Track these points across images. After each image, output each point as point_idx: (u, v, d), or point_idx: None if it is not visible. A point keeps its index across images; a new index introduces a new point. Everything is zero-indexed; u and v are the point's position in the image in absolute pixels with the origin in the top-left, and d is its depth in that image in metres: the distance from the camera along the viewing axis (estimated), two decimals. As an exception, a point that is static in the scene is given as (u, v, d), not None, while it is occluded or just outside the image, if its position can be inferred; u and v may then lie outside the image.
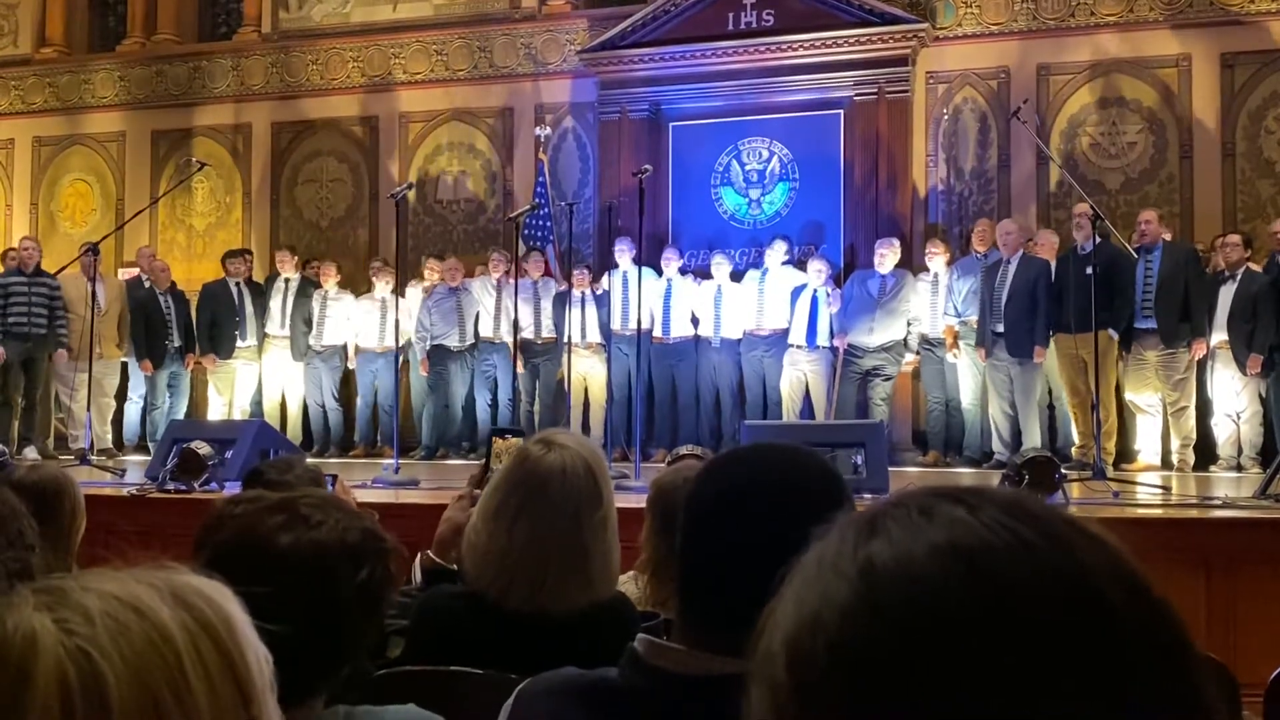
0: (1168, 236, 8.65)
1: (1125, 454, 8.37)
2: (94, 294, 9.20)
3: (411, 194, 10.92)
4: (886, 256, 9.01)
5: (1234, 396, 8.15)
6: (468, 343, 9.95)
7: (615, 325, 9.34)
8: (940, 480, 7.26)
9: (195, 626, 0.81)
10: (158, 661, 0.78)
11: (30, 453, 9.01)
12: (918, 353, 9.17)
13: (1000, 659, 0.57)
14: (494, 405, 9.91)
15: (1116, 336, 8.11)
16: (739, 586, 1.37)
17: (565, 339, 9.13)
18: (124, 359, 10.19)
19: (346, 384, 10.50)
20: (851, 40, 10.00)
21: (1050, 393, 8.81)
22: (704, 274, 9.72)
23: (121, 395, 10.43)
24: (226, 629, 0.83)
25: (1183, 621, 0.62)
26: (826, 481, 1.46)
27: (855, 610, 0.61)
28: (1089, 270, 7.33)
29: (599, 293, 9.60)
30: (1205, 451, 8.26)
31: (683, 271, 9.73)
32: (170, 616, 0.80)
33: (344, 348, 10.32)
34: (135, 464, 8.50)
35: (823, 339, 9.03)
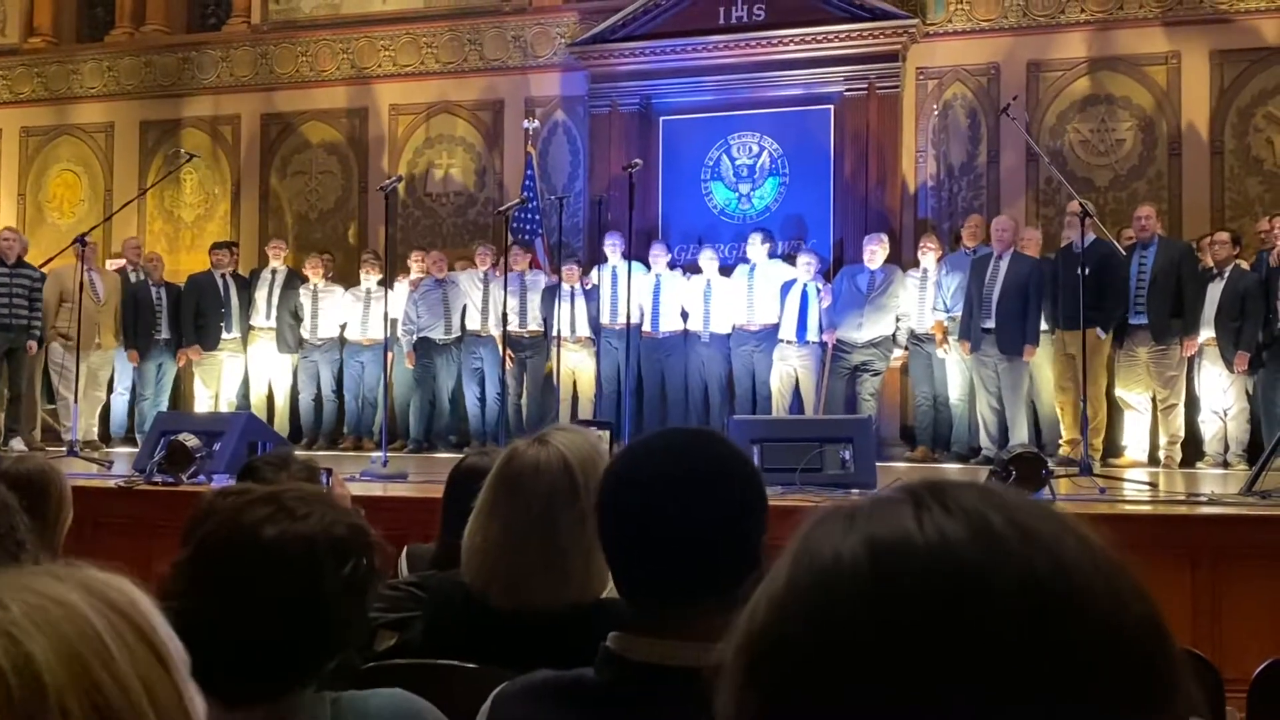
0: (1161, 232, 8.67)
1: (1112, 450, 8.39)
2: (92, 284, 9.15)
3: (401, 187, 10.91)
4: (876, 252, 9.02)
5: (1221, 393, 8.18)
6: (454, 335, 9.94)
7: (605, 319, 9.36)
8: (927, 476, 7.28)
9: (104, 606, 0.83)
10: (79, 636, 0.80)
11: (17, 444, 8.98)
12: (906, 348, 9.18)
13: (902, 653, 0.59)
14: (482, 399, 9.90)
15: (1105, 336, 8.10)
16: (658, 570, 1.45)
17: (555, 333, 9.12)
18: (119, 350, 10.19)
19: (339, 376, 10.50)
20: (842, 35, 10.00)
21: (1035, 388, 8.82)
22: (693, 268, 9.73)
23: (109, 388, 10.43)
24: (134, 608, 0.85)
25: (1137, 629, 0.62)
26: (733, 465, 1.51)
27: (780, 600, 0.64)
28: (1080, 269, 7.33)
29: (588, 287, 9.60)
30: (1192, 448, 8.29)
31: (672, 266, 9.73)
32: (80, 598, 0.82)
33: (340, 340, 10.33)
34: (122, 456, 8.48)
35: (812, 334, 9.04)
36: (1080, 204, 7.52)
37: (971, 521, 0.63)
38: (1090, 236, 7.75)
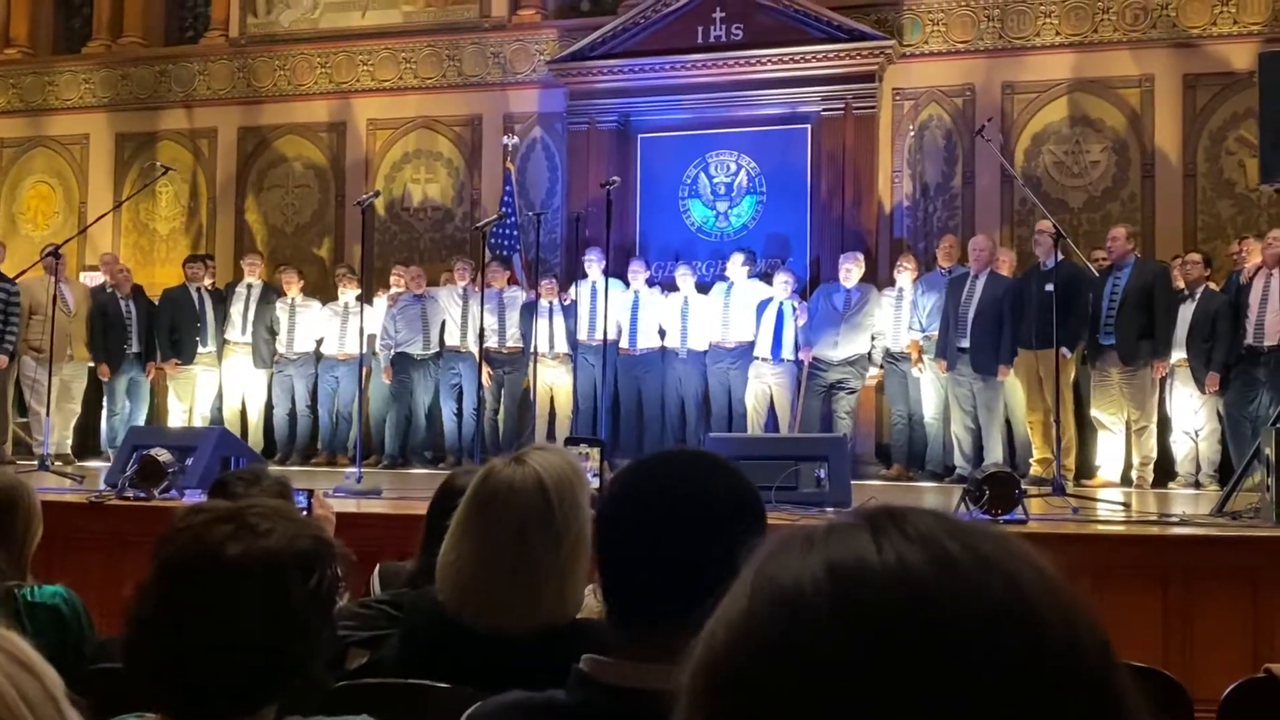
0: (1136, 254, 8.71)
1: (1085, 470, 8.42)
2: (63, 296, 9.09)
3: (378, 201, 10.89)
4: (851, 270, 9.06)
5: (1192, 414, 8.22)
6: (432, 351, 9.91)
7: (582, 336, 9.36)
8: (902, 494, 7.30)
9: None
10: None
11: (-12, 458, 8.91)
12: (882, 366, 9.21)
13: (864, 677, 0.59)
14: (459, 415, 9.88)
15: (1070, 355, 8.12)
16: (652, 592, 1.43)
17: (532, 349, 9.11)
18: (90, 363, 10.10)
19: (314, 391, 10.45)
20: (819, 56, 10.06)
21: (1009, 407, 8.85)
22: (670, 286, 9.75)
23: (94, 401, 10.34)
24: (7, 640, 0.95)
25: (1089, 657, 0.62)
26: (735, 488, 1.50)
27: (740, 625, 0.64)
28: (1047, 287, 7.37)
29: (566, 303, 9.61)
30: (1164, 468, 8.33)
31: (650, 283, 9.74)
32: None
33: (315, 354, 10.28)
34: (99, 471, 8.41)
35: (788, 352, 9.07)
36: (1053, 225, 7.56)
37: (929, 547, 0.63)
38: (1059, 256, 7.78)
